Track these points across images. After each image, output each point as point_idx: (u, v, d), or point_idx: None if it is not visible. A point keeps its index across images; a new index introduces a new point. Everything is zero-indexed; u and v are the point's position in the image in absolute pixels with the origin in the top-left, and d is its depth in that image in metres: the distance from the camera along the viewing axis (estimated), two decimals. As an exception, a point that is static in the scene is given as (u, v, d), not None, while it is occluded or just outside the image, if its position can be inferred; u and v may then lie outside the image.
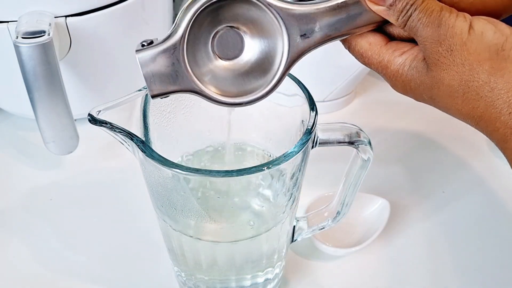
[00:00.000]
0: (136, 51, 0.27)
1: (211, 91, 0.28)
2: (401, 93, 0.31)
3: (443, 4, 0.27)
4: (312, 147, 0.30)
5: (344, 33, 0.29)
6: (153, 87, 0.27)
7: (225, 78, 0.28)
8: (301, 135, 0.28)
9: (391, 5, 0.28)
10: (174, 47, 0.27)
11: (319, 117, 0.29)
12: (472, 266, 0.40)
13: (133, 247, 0.41)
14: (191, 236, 0.31)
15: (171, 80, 0.27)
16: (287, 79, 0.31)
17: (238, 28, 0.28)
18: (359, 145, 0.31)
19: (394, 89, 0.31)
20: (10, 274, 0.39)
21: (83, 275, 0.39)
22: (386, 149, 0.50)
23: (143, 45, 0.27)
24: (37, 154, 0.49)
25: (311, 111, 0.29)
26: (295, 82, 0.31)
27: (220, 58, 0.28)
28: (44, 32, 0.38)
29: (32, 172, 0.47)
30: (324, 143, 0.30)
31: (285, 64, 0.28)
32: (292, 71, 0.32)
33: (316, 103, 0.30)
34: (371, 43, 0.30)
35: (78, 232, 0.42)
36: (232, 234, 0.32)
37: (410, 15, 0.28)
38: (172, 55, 0.27)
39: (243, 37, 0.28)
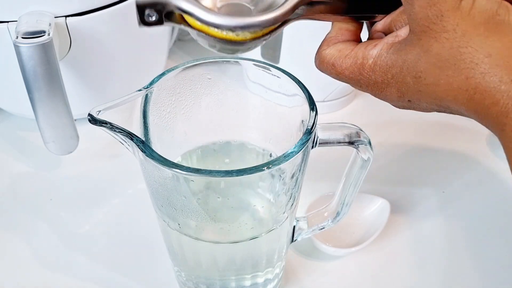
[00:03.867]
0: None
1: (204, 8, 0.25)
2: (380, 93, 0.29)
3: None
4: (312, 147, 0.30)
5: None
6: None
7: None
8: (301, 135, 0.28)
9: None
10: None
11: (319, 117, 0.29)
12: (472, 266, 0.40)
13: (133, 247, 0.41)
14: (191, 236, 0.31)
15: None
16: (287, 78, 0.31)
17: None
18: (359, 145, 0.31)
19: (374, 91, 0.29)
20: (10, 274, 0.39)
21: (83, 275, 0.39)
22: (386, 149, 0.50)
23: None
24: (37, 154, 0.49)
25: (311, 111, 0.29)
26: (295, 82, 0.31)
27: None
28: (44, 32, 0.38)
29: (32, 172, 0.47)
30: (324, 143, 0.30)
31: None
32: (292, 71, 0.32)
33: (316, 103, 0.30)
34: (341, 49, 0.29)
35: (78, 232, 0.42)
36: (232, 234, 0.32)
37: None
38: None
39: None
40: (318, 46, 0.31)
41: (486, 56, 0.24)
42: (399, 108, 0.31)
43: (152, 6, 0.25)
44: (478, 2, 0.25)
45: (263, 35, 0.27)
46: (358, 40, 0.31)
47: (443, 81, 0.26)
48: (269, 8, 0.27)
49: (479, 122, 0.27)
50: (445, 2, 0.25)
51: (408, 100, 0.29)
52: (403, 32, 0.28)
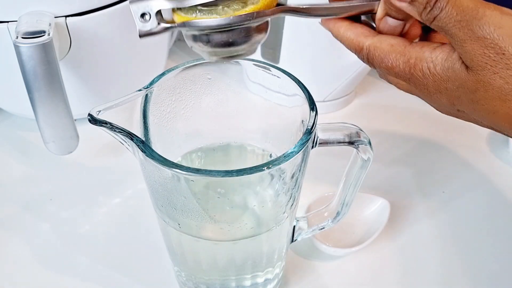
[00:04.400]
0: None
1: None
2: (428, 97, 0.28)
3: None
4: (312, 147, 0.30)
5: None
6: None
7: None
8: (301, 135, 0.28)
9: (412, 0, 0.25)
10: None
11: (319, 117, 0.29)
12: (472, 266, 0.40)
13: (133, 247, 0.41)
14: (191, 236, 0.31)
15: None
16: (287, 78, 0.31)
17: None
18: (359, 145, 0.31)
19: (422, 93, 0.28)
20: (10, 274, 0.39)
21: (83, 275, 0.39)
22: (386, 149, 0.50)
23: None
24: (37, 154, 0.49)
25: (311, 111, 0.29)
26: (295, 82, 0.31)
27: None
28: (44, 32, 0.38)
29: (32, 172, 0.47)
30: (324, 143, 0.30)
31: None
32: (292, 71, 0.32)
33: (316, 103, 0.30)
34: (393, 44, 0.28)
35: (78, 232, 0.42)
36: (232, 234, 0.32)
37: (439, 12, 0.25)
38: None
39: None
40: (355, 34, 0.30)
41: None
42: (446, 114, 0.30)
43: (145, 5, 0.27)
44: None
45: (246, 15, 0.27)
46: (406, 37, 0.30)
47: (503, 111, 0.26)
48: None
49: None
50: (503, 39, 0.24)
51: (458, 110, 0.28)
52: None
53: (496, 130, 0.28)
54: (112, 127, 0.28)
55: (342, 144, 0.31)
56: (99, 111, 0.29)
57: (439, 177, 0.47)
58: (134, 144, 0.28)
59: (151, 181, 0.30)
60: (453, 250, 0.41)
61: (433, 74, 0.27)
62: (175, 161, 0.27)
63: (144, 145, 0.28)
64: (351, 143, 0.31)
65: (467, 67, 0.25)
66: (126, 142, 0.29)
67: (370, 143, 0.31)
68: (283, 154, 0.27)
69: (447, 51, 0.26)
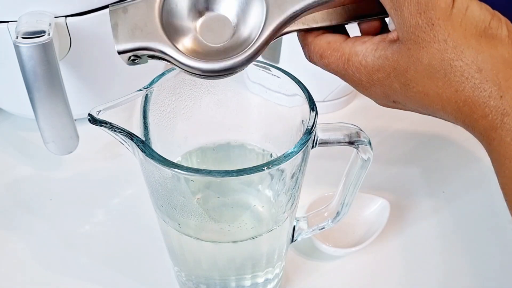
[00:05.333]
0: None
1: (181, 52, 0.26)
2: (364, 91, 0.29)
3: None
4: (312, 147, 0.30)
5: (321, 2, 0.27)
6: (120, 38, 0.26)
7: (202, 42, 0.27)
8: (301, 135, 0.28)
9: None
10: None
11: (319, 117, 0.29)
12: (473, 266, 0.40)
13: (133, 247, 0.41)
14: (191, 236, 0.31)
15: (139, 34, 0.26)
16: (287, 78, 0.31)
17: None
18: (359, 145, 0.31)
19: (358, 88, 0.29)
20: (10, 274, 0.39)
21: (83, 275, 0.39)
22: (386, 149, 0.50)
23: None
24: (37, 154, 0.49)
25: (311, 111, 0.29)
26: (295, 82, 0.31)
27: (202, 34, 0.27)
28: (44, 32, 0.38)
29: (32, 172, 0.47)
30: (324, 143, 0.30)
31: (266, 32, 0.27)
32: (292, 71, 0.32)
33: (316, 103, 0.30)
34: (330, 41, 0.28)
35: (78, 232, 0.42)
36: (232, 234, 0.32)
37: None
38: (146, 5, 0.26)
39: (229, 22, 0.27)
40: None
41: (476, 71, 0.24)
42: (384, 106, 0.30)
43: (133, 51, 0.27)
44: (470, 11, 0.24)
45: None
46: (346, 33, 0.30)
47: (432, 91, 0.26)
48: (249, 24, 0.27)
49: (467, 130, 0.27)
50: (435, 9, 0.24)
51: (393, 101, 0.29)
52: (391, 35, 0.28)
53: (434, 116, 0.28)
54: (112, 127, 0.28)
55: (342, 144, 0.31)
56: (99, 111, 0.29)
57: (439, 177, 0.47)
58: (134, 144, 0.28)
59: (151, 181, 0.30)
60: (453, 250, 0.41)
61: (364, 66, 0.27)
62: (175, 161, 0.27)
63: (144, 145, 0.28)
64: (351, 143, 0.31)
65: (399, 44, 0.25)
66: (126, 142, 0.29)
67: (370, 143, 0.31)
68: (283, 154, 0.27)
69: (377, 41, 0.27)
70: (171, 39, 0.26)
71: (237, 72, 0.27)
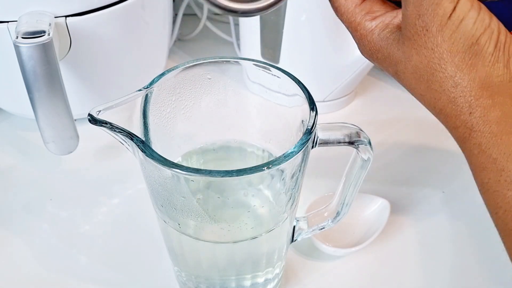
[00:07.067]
0: None
1: None
2: (368, 59, 0.30)
3: None
4: (312, 147, 0.30)
5: None
6: None
7: None
8: (301, 135, 0.28)
9: None
10: None
11: (319, 117, 0.29)
12: (472, 266, 0.40)
13: (133, 247, 0.41)
14: (191, 236, 0.31)
15: None
16: (287, 78, 0.31)
17: None
18: (359, 145, 0.31)
19: (361, 52, 0.30)
20: (10, 274, 0.39)
21: (83, 275, 0.39)
22: (386, 149, 0.50)
23: None
24: (37, 154, 0.49)
25: (311, 111, 0.29)
26: (295, 82, 0.31)
27: None
28: (44, 32, 0.38)
29: (32, 172, 0.48)
30: (324, 143, 0.30)
31: None
32: (292, 71, 0.32)
33: (316, 103, 0.30)
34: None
35: (78, 232, 0.42)
36: (232, 234, 0.32)
37: None
38: None
39: None
40: None
41: (453, 85, 0.26)
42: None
43: None
44: (463, 25, 0.25)
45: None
46: None
47: (417, 91, 0.27)
48: None
49: None
50: (433, 16, 0.25)
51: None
52: (399, 19, 0.28)
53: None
54: (112, 127, 0.28)
55: (342, 144, 0.31)
56: (99, 111, 0.29)
57: (439, 177, 0.47)
58: (134, 144, 0.28)
59: (151, 181, 0.30)
60: (453, 249, 0.41)
61: (369, 42, 0.28)
62: (175, 161, 0.27)
63: (144, 145, 0.28)
64: (351, 143, 0.31)
65: (399, 34, 0.27)
66: (126, 142, 0.29)
67: (370, 143, 0.31)
68: (283, 154, 0.27)
69: (386, 21, 0.28)
70: None
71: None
